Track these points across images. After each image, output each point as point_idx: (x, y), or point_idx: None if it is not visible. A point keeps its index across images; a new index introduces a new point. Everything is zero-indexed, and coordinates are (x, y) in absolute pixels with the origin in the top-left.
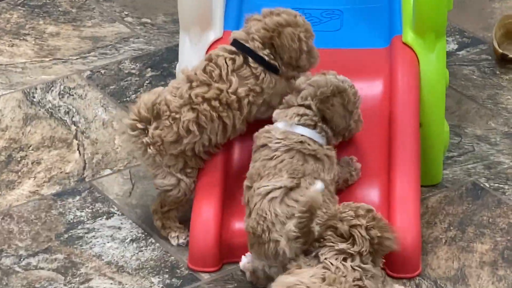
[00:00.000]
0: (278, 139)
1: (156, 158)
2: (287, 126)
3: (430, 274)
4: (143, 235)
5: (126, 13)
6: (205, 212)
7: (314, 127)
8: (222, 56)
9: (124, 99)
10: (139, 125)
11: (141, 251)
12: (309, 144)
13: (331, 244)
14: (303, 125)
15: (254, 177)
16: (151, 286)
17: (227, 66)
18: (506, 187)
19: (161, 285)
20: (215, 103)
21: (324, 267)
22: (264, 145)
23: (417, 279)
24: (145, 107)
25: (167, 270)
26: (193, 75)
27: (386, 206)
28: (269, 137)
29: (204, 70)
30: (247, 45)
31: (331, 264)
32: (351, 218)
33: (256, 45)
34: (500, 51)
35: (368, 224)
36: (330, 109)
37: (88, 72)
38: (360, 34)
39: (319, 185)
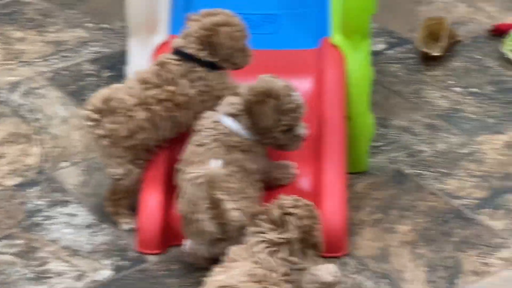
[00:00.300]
0: (207, 128)
1: (108, 149)
2: (218, 116)
3: (356, 254)
4: (97, 222)
5: (87, 19)
6: (151, 200)
7: (240, 119)
8: (170, 62)
9: (83, 98)
10: (94, 116)
11: (95, 236)
12: (234, 137)
13: (263, 232)
14: (231, 115)
15: (186, 162)
16: (102, 268)
17: (176, 70)
18: (426, 173)
19: (112, 267)
20: (168, 104)
21: (254, 262)
22: (198, 131)
23: (344, 258)
24: (100, 100)
25: (118, 253)
26: (146, 77)
27: (316, 192)
28: (202, 125)
29: (156, 73)
30: (187, 52)
31: (261, 258)
32: (288, 207)
33: (195, 48)
34: (423, 50)
35: (302, 214)
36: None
37: (50, 74)
38: (294, 36)
39: (216, 162)
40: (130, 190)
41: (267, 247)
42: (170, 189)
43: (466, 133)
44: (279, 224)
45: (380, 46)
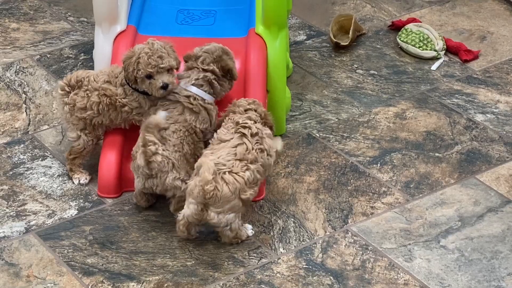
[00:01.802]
0: (173, 93)
1: (67, 115)
2: (184, 84)
3: (270, 198)
4: (67, 172)
5: (69, 14)
6: (109, 154)
7: (202, 86)
8: (121, 74)
9: (62, 76)
10: (66, 88)
11: (65, 183)
12: (194, 99)
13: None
14: (195, 85)
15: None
16: (69, 208)
17: (120, 80)
18: (331, 136)
19: (76, 207)
20: (109, 100)
21: (237, 143)
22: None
23: (261, 202)
24: (75, 77)
25: (82, 196)
26: (111, 72)
27: None
28: (171, 91)
29: (116, 75)
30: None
31: (246, 124)
32: (245, 105)
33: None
34: (335, 40)
35: (256, 106)
36: (229, 62)
37: (38, 56)
38: (228, 28)
39: (162, 113)
40: (81, 152)
41: (243, 135)
42: (126, 150)
43: (365, 106)
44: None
45: (301, 37)
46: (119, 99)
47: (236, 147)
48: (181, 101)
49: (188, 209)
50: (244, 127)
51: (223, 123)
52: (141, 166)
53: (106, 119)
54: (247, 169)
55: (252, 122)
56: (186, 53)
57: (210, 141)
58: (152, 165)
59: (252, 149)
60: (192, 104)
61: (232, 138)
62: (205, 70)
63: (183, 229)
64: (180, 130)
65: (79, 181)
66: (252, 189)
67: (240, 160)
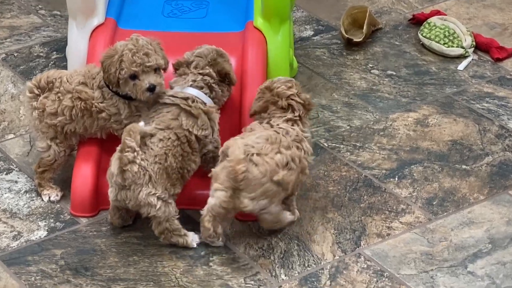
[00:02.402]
0: (168, 96)
1: (36, 122)
2: (181, 87)
3: None
4: (36, 187)
5: (40, 6)
6: (84, 167)
7: (202, 88)
8: (99, 74)
9: (31, 77)
10: (35, 90)
11: (32, 200)
12: (192, 101)
13: (279, 115)
14: (193, 86)
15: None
16: (38, 229)
17: (98, 82)
18: (342, 146)
19: (46, 228)
20: (84, 105)
21: (274, 131)
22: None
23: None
24: (45, 78)
25: (53, 215)
26: (87, 73)
27: None
28: (164, 95)
29: (92, 76)
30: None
31: (281, 128)
32: (285, 91)
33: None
34: (346, 35)
35: (297, 91)
36: (225, 65)
37: (3, 55)
38: (222, 21)
39: (141, 123)
40: (52, 164)
41: (287, 121)
42: (103, 162)
43: (381, 111)
44: (287, 108)
45: (308, 33)
46: (96, 104)
47: (265, 138)
48: (178, 103)
49: (214, 199)
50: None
51: (257, 117)
52: (114, 174)
53: (80, 127)
54: (278, 152)
55: (291, 124)
56: (176, 60)
57: (243, 129)
58: (126, 175)
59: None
60: (190, 106)
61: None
62: (201, 74)
63: (209, 225)
64: (169, 138)
65: (49, 197)
66: (287, 171)
67: (272, 143)
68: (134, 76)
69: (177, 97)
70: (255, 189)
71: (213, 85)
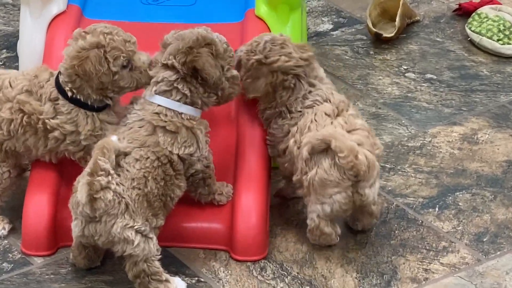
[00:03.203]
0: (135, 110)
1: None
2: (147, 95)
3: (277, 257)
4: None
5: None
6: (38, 197)
7: (171, 93)
8: (49, 82)
9: None
10: None
11: None
12: (165, 115)
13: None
14: (160, 93)
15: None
16: None
17: (49, 93)
18: None
19: None
20: (27, 119)
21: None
22: (128, 113)
23: (262, 262)
24: None
25: None
26: (34, 78)
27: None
28: (130, 108)
29: (38, 79)
30: (60, 78)
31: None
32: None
33: (64, 79)
34: (374, 30)
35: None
36: (198, 58)
37: None
38: (215, 9)
39: (114, 137)
40: None
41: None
42: (63, 187)
43: (418, 124)
44: None
45: (325, 26)
46: (45, 120)
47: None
48: (148, 119)
49: (329, 205)
50: None
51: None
52: (81, 203)
53: (20, 146)
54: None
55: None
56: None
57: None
58: (97, 204)
59: None
60: (164, 121)
61: None
62: (165, 66)
63: (330, 230)
64: (147, 158)
65: None
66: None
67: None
68: (128, 62)
69: (146, 111)
70: (373, 172)
71: (178, 84)
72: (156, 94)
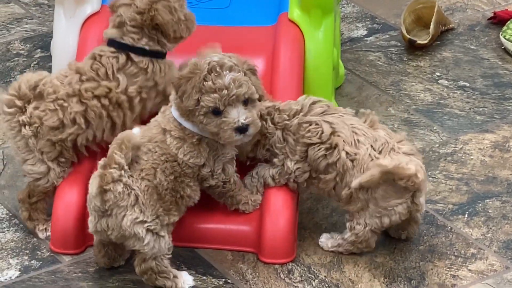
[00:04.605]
0: (160, 111)
1: (30, 140)
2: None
3: (304, 260)
4: (8, 216)
5: None
6: (68, 195)
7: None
8: (104, 55)
9: (9, 80)
10: (18, 102)
11: (3, 232)
12: (173, 124)
13: None
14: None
15: None
16: (8, 268)
17: (112, 65)
18: None
19: (19, 267)
20: (105, 101)
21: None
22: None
23: (290, 265)
24: (27, 84)
25: (28, 251)
26: (81, 67)
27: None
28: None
29: (91, 67)
30: (123, 41)
31: None
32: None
33: (133, 38)
34: (408, 36)
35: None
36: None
37: None
38: (249, 12)
39: (135, 130)
40: (48, 191)
41: None
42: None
43: (449, 131)
44: None
45: (360, 32)
46: (121, 90)
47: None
48: (160, 121)
49: (388, 217)
50: None
51: None
52: (92, 195)
53: (100, 129)
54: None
55: None
56: None
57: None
58: (106, 196)
59: None
60: (171, 127)
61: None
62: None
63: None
64: (155, 152)
65: (45, 233)
66: None
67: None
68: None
69: (163, 113)
70: (426, 184)
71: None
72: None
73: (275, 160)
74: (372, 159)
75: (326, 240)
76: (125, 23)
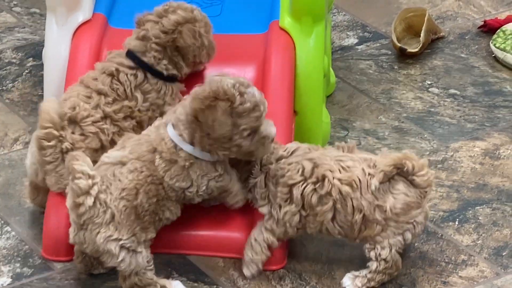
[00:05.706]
0: (154, 124)
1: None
2: (166, 119)
3: (295, 267)
4: (0, 224)
5: (15, 3)
6: (59, 203)
7: (179, 128)
8: (123, 71)
9: (0, 88)
10: (55, 133)
11: None
12: (165, 143)
13: None
14: (172, 123)
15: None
16: (0, 275)
17: (130, 82)
18: None
19: (10, 274)
20: (132, 121)
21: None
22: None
23: (281, 272)
24: (56, 113)
25: (20, 259)
26: (103, 88)
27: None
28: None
29: (110, 87)
30: (144, 59)
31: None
32: None
33: (154, 57)
34: (399, 44)
35: None
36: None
37: None
38: (240, 20)
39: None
40: None
41: None
42: None
43: (440, 139)
44: None
45: (350, 41)
46: (139, 108)
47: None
48: (153, 139)
49: (411, 230)
50: None
51: None
52: (69, 208)
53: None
54: None
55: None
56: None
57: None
58: (79, 210)
59: None
60: (162, 147)
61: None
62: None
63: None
64: (141, 172)
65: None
66: None
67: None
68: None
69: (157, 129)
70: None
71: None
72: (170, 122)
73: (264, 210)
74: (370, 175)
75: (352, 282)
76: (150, 39)
